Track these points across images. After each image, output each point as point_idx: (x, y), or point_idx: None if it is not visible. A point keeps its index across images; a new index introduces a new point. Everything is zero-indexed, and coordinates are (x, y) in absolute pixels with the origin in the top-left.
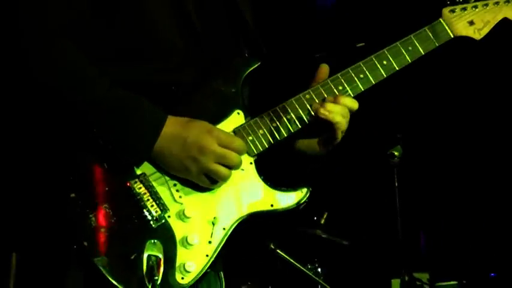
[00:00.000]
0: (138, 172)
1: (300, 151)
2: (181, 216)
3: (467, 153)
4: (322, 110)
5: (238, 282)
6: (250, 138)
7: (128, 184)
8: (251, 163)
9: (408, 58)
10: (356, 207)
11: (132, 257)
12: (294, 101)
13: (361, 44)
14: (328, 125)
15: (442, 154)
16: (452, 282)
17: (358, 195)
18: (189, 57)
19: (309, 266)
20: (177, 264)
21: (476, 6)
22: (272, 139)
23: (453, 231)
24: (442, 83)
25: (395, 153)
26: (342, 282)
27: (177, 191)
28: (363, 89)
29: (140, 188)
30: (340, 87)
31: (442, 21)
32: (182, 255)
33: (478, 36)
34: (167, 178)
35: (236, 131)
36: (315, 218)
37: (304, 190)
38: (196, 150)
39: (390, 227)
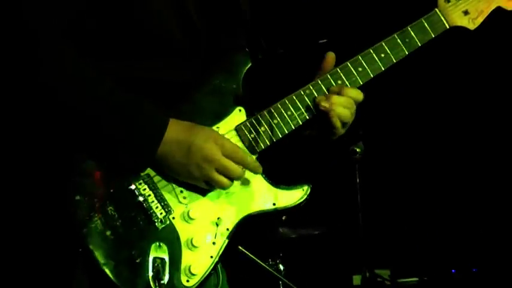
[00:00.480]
0: (143, 173)
1: (303, 145)
2: (186, 217)
3: (428, 149)
4: (322, 103)
5: None
6: (252, 136)
7: (133, 186)
8: None
9: (405, 50)
10: (317, 203)
11: (138, 260)
12: (294, 97)
13: (323, 41)
14: (329, 118)
15: (403, 150)
16: (413, 279)
17: (320, 191)
18: (190, 54)
19: (270, 262)
20: (182, 266)
21: None
22: (274, 136)
23: (414, 227)
24: (403, 78)
25: (357, 150)
26: (304, 278)
27: (181, 192)
28: (361, 83)
29: (145, 189)
30: (339, 82)
31: (437, 11)
32: (187, 258)
33: (472, 26)
34: (171, 179)
35: (238, 129)
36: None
37: (305, 187)
38: (200, 158)
39: (351, 224)
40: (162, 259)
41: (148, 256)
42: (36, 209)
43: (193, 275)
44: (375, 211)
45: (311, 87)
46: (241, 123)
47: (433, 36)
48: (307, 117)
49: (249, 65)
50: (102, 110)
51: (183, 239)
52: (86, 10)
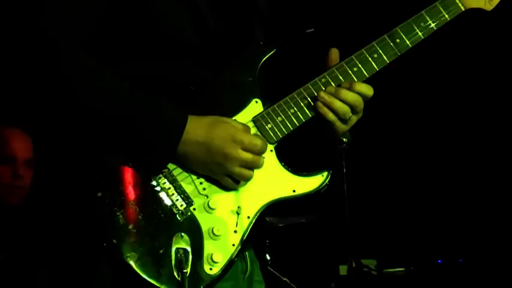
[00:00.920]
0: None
1: (319, 134)
2: (206, 208)
3: (414, 141)
4: (321, 94)
5: None
6: (269, 126)
7: (153, 180)
8: (271, 150)
9: (421, 34)
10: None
11: (161, 252)
12: (310, 86)
13: (310, 30)
14: (322, 112)
15: (390, 141)
16: (399, 269)
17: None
18: (205, 53)
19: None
20: (205, 255)
21: None
22: (291, 125)
23: (401, 218)
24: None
25: (344, 140)
26: (290, 268)
27: (201, 183)
28: (377, 69)
29: (165, 183)
30: (355, 69)
31: None
32: (209, 247)
33: (489, 7)
34: (191, 172)
35: (255, 120)
36: None
37: (325, 173)
38: (221, 156)
39: (338, 213)
40: (185, 249)
41: (171, 247)
42: (62, 206)
43: (215, 263)
44: (361, 201)
45: (327, 76)
46: (258, 114)
47: (448, 19)
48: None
49: (265, 57)
50: (123, 112)
51: (204, 228)
52: (104, 17)
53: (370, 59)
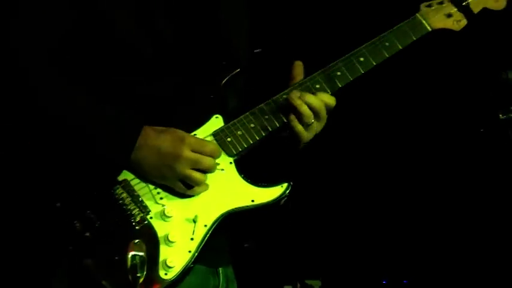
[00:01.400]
0: (120, 179)
1: (281, 146)
2: (163, 216)
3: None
4: (292, 95)
5: None
6: (229, 139)
7: (112, 191)
8: (231, 163)
9: (386, 53)
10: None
11: (117, 258)
12: (271, 102)
13: (258, 50)
14: (291, 116)
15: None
16: None
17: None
18: (162, 68)
19: None
20: (160, 261)
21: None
22: (251, 139)
23: (345, 237)
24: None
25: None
26: None
27: (158, 193)
28: (340, 86)
29: (122, 193)
30: (318, 86)
31: (418, 15)
32: (164, 253)
33: (457, 27)
34: (148, 182)
35: (215, 134)
36: None
37: (285, 185)
38: (171, 158)
39: (282, 234)
40: (141, 256)
41: (127, 253)
42: (21, 214)
43: (170, 268)
44: (305, 220)
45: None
46: (219, 128)
47: (414, 38)
48: (284, 121)
49: (227, 77)
50: (83, 121)
51: (160, 235)
52: (69, 31)
53: (332, 76)
